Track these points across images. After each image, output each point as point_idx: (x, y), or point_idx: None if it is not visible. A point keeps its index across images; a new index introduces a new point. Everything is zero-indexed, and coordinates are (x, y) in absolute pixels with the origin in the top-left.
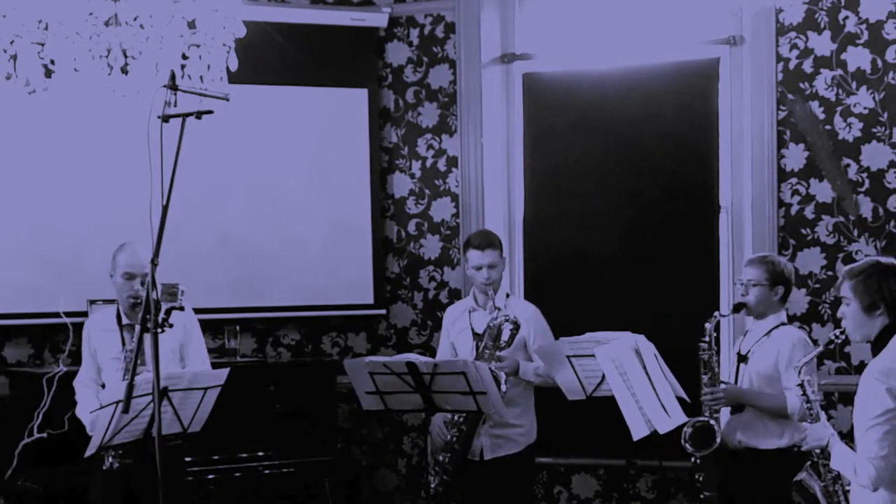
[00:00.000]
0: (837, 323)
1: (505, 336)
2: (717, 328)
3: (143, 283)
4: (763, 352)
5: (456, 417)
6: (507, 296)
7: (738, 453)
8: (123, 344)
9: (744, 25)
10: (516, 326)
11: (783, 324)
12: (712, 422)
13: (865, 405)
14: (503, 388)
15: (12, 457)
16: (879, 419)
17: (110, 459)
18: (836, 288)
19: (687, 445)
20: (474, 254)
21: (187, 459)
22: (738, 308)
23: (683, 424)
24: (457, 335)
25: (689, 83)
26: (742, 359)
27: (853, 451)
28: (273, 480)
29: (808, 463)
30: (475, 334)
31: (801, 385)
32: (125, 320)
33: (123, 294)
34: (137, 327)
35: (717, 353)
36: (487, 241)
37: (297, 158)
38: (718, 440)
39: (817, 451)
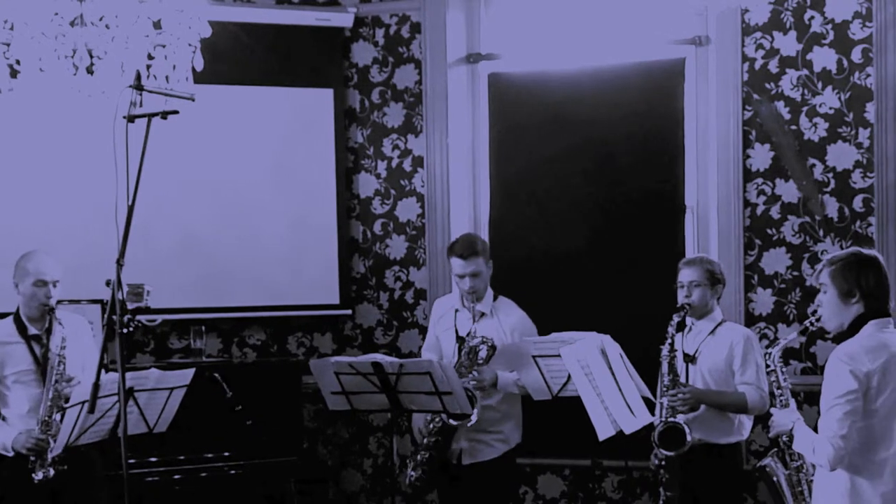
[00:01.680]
0: (803, 322)
1: (482, 355)
2: (679, 328)
3: (54, 286)
4: (712, 350)
5: (432, 426)
6: (496, 297)
7: (695, 450)
8: (34, 356)
9: (709, 25)
10: (493, 348)
11: (724, 321)
12: (683, 423)
13: (829, 386)
14: (478, 406)
15: None
16: (841, 399)
17: (42, 471)
18: (816, 276)
19: (657, 446)
20: (457, 262)
21: (152, 459)
22: (683, 310)
23: (652, 424)
24: (442, 332)
25: (655, 83)
26: (690, 359)
27: (816, 434)
28: (238, 480)
29: (775, 450)
30: (458, 337)
31: (774, 372)
32: (31, 330)
33: (34, 302)
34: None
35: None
36: (471, 249)
37: (262, 159)
38: (690, 440)
39: (784, 438)
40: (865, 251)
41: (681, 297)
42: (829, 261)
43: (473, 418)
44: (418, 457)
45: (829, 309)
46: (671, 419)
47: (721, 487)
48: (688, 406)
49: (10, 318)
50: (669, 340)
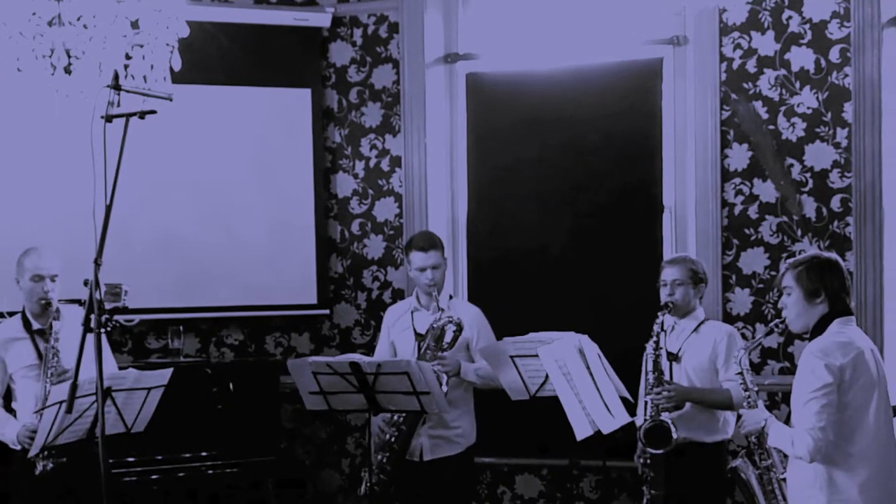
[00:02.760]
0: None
1: (448, 337)
2: (662, 328)
3: (52, 280)
4: (695, 348)
5: (395, 417)
6: (451, 297)
7: (680, 449)
8: (38, 350)
9: (687, 25)
10: (459, 328)
11: (707, 319)
12: (668, 422)
13: (804, 380)
14: (444, 388)
15: None
16: (817, 393)
17: (42, 463)
18: (779, 280)
19: (642, 444)
20: (417, 255)
21: (130, 459)
22: (666, 308)
23: (633, 424)
24: (398, 334)
25: (633, 83)
26: (673, 357)
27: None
28: (216, 480)
29: (744, 451)
30: (417, 334)
31: (741, 374)
32: (35, 325)
33: (33, 297)
34: (76, 329)
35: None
36: (430, 242)
37: (240, 158)
38: (675, 438)
39: (753, 439)
40: (824, 254)
41: (664, 296)
42: (791, 264)
43: (444, 387)
44: (379, 456)
45: (795, 310)
46: (657, 417)
47: (706, 486)
48: (673, 404)
49: (19, 314)
50: (654, 338)
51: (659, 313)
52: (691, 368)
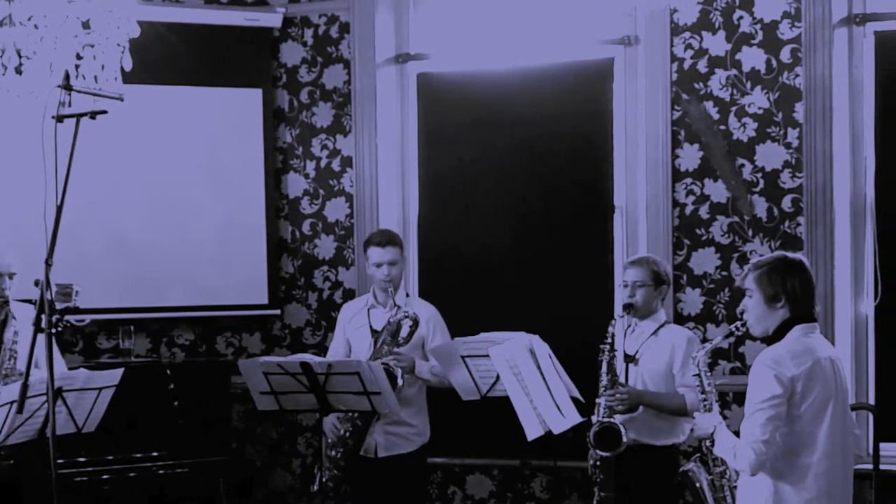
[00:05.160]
0: (732, 322)
1: (404, 332)
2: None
3: (10, 278)
4: (653, 352)
5: (349, 413)
6: (407, 295)
7: (632, 451)
8: None
9: (638, 25)
10: (415, 323)
11: (667, 322)
12: (619, 424)
13: (753, 391)
14: (399, 382)
15: None
16: (764, 404)
17: None
18: (741, 280)
19: (592, 446)
20: (375, 251)
21: (81, 459)
22: (627, 309)
23: (584, 424)
24: (354, 332)
25: (584, 83)
26: (631, 359)
27: (738, 438)
28: (167, 480)
29: (698, 455)
30: (373, 331)
31: (699, 376)
32: None
33: None
34: (31, 329)
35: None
36: (388, 238)
37: (191, 158)
38: (625, 441)
39: (707, 443)
40: (791, 255)
41: (624, 297)
42: (754, 265)
43: (400, 382)
44: (333, 452)
45: (755, 313)
46: (607, 419)
47: (656, 489)
48: (625, 406)
49: None
50: (609, 340)
51: (617, 315)
52: (648, 371)
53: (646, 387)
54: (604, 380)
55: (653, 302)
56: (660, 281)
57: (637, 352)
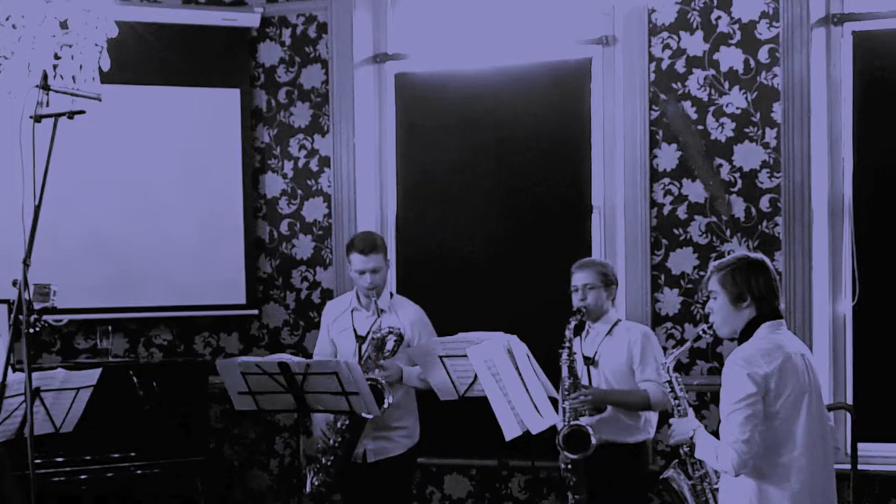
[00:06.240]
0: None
1: (389, 346)
2: (576, 332)
3: None
4: (611, 351)
5: (339, 424)
6: (392, 295)
7: (602, 451)
8: None
9: (616, 25)
10: (400, 337)
11: (619, 320)
12: (587, 426)
13: (728, 391)
14: (387, 401)
15: None
16: (740, 404)
17: None
18: (704, 284)
19: (561, 450)
20: (357, 258)
21: (59, 460)
22: (579, 313)
23: (557, 427)
24: (338, 334)
25: (562, 83)
26: (590, 362)
27: (718, 440)
28: (145, 481)
29: (676, 461)
30: (358, 336)
31: (670, 382)
32: None
33: None
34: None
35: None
36: (371, 245)
37: (169, 158)
38: (594, 443)
39: (685, 447)
40: (752, 255)
41: (576, 301)
42: (716, 267)
43: (387, 403)
44: (323, 459)
45: (721, 315)
46: (574, 422)
47: (628, 487)
48: (590, 407)
49: None
50: (567, 344)
51: (571, 319)
52: (609, 371)
53: (610, 386)
54: (566, 383)
55: (604, 303)
56: (608, 282)
57: (596, 353)
